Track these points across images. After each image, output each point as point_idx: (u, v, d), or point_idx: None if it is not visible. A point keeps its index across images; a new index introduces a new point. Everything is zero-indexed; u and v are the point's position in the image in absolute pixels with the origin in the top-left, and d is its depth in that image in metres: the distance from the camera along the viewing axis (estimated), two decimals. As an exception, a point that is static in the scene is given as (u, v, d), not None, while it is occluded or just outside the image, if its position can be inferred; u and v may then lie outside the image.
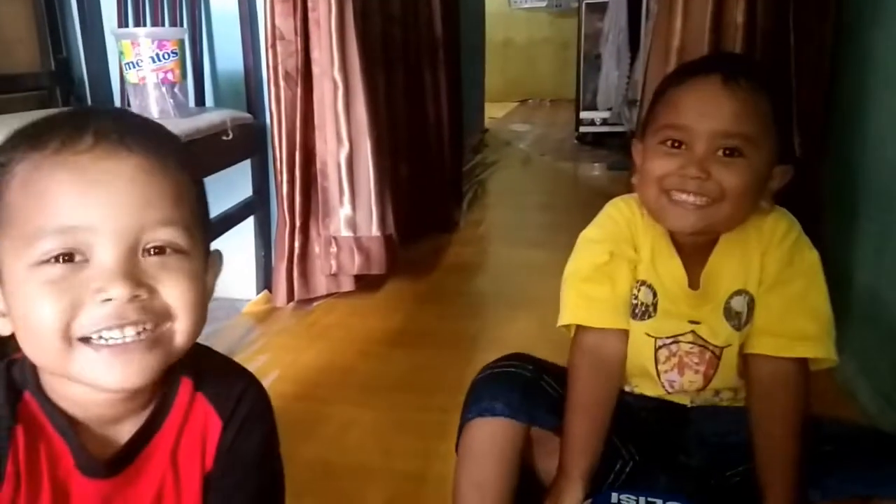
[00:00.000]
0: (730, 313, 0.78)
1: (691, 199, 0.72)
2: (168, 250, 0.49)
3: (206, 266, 0.54)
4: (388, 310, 1.74)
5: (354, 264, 1.67)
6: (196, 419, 0.57)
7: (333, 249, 1.67)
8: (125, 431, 0.55)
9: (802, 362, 0.75)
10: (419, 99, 2.17)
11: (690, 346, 0.80)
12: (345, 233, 1.66)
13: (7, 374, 0.52)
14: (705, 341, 0.79)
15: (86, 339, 0.47)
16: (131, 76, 1.36)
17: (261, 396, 0.61)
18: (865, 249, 1.29)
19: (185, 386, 0.57)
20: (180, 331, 0.50)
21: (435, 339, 1.56)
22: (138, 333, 0.48)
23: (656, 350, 0.81)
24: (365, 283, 1.78)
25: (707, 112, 0.71)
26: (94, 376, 0.48)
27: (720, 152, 0.71)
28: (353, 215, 1.65)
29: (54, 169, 0.46)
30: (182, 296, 0.49)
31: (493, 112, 5.26)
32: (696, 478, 0.79)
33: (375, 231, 1.66)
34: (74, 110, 0.55)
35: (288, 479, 1.05)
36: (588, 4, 4.08)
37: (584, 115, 4.12)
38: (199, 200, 0.54)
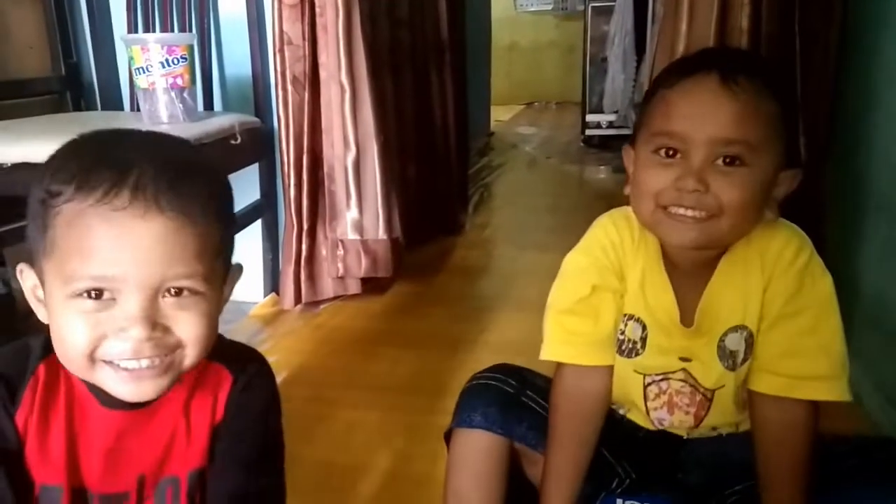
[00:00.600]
0: (724, 353, 0.72)
1: (689, 213, 0.65)
2: (185, 292, 0.55)
3: (222, 289, 0.60)
4: (395, 312, 1.74)
5: (361, 267, 1.68)
6: (209, 378, 0.64)
7: (340, 252, 1.68)
8: None
9: (813, 404, 0.69)
10: (425, 102, 2.18)
11: (681, 384, 0.75)
12: (352, 236, 1.67)
13: (46, 335, 0.59)
14: (696, 382, 0.74)
15: (107, 362, 0.54)
16: (141, 81, 1.37)
17: (265, 366, 0.68)
18: (871, 252, 1.29)
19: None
20: (189, 356, 0.57)
21: (441, 342, 1.56)
22: (151, 362, 0.54)
23: (645, 387, 0.77)
24: (371, 285, 1.79)
25: (704, 117, 0.64)
26: (112, 389, 0.56)
27: (719, 161, 0.64)
28: (359, 218, 1.66)
29: (94, 219, 0.52)
30: (193, 331, 0.56)
31: (499, 115, 5.26)
32: (694, 497, 0.77)
33: (382, 234, 1.67)
34: (119, 141, 0.58)
35: (294, 480, 1.06)
36: (594, 7, 4.08)
37: (590, 118, 4.12)
38: (225, 239, 0.59)
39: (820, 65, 1.38)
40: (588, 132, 4.13)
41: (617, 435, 0.79)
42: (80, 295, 0.53)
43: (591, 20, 4.12)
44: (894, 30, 1.25)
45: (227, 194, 0.61)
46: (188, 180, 0.55)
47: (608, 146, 3.96)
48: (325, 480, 1.08)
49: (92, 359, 0.54)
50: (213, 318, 0.58)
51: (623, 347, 0.76)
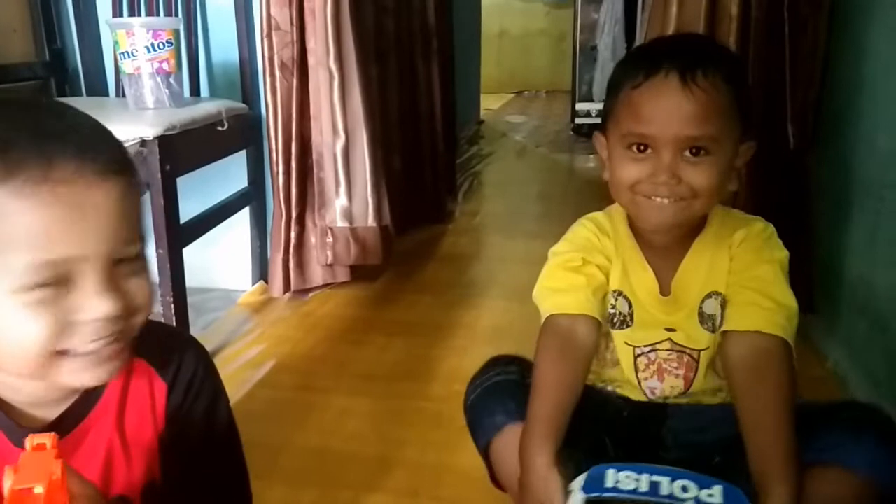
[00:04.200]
0: (703, 317, 0.79)
1: (666, 201, 0.73)
2: (136, 258, 0.52)
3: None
4: (384, 300, 1.74)
5: (350, 255, 1.67)
6: (140, 384, 0.59)
7: (329, 240, 1.67)
8: (60, 409, 0.56)
9: (784, 344, 0.73)
10: (413, 90, 2.17)
11: (668, 352, 0.80)
12: (341, 223, 1.66)
13: None
14: (682, 346, 0.80)
15: (64, 352, 0.50)
16: (126, 66, 1.35)
17: (202, 359, 0.63)
18: (857, 238, 1.30)
19: None
20: (139, 322, 0.54)
21: (431, 329, 1.57)
22: (114, 338, 0.51)
23: (635, 358, 0.82)
24: (361, 273, 1.78)
25: (669, 119, 0.71)
26: (72, 380, 0.52)
27: (686, 152, 0.71)
28: (349, 206, 1.65)
29: (31, 201, 0.46)
30: (146, 296, 0.53)
31: (489, 103, 5.25)
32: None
33: (371, 222, 1.67)
34: (26, 118, 0.50)
35: (285, 467, 1.07)
36: (584, -5, 4.07)
37: (579, 106, 4.12)
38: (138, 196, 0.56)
39: (808, 52, 1.39)
40: (578, 121, 4.14)
41: (603, 415, 0.81)
42: (31, 287, 0.47)
43: (580, 8, 4.11)
44: (881, 17, 1.26)
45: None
46: (114, 141, 0.52)
47: (597, 135, 3.96)
48: (316, 468, 1.08)
49: (50, 353, 0.49)
50: (151, 286, 0.55)
51: (615, 320, 0.82)
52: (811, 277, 1.39)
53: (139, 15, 1.59)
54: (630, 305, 0.81)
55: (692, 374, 0.80)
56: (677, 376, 0.81)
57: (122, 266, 0.51)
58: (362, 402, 1.27)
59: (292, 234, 1.67)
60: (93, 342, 0.50)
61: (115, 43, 1.35)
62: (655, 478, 0.65)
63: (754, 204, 1.40)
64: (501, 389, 0.82)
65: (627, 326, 0.82)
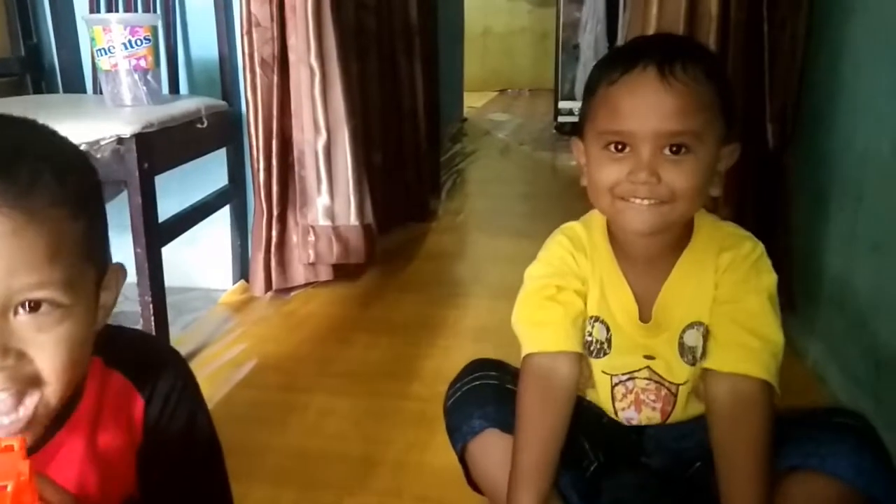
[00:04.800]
0: (683, 348, 0.76)
1: (646, 202, 0.69)
2: (43, 306, 0.45)
3: (96, 297, 0.50)
4: (367, 299, 1.73)
5: (333, 253, 1.66)
6: (115, 398, 0.56)
7: (311, 238, 1.66)
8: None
9: (766, 387, 0.71)
10: (395, 87, 2.16)
11: (647, 382, 0.78)
12: (323, 222, 1.65)
13: None
14: (661, 377, 0.77)
15: None
16: (103, 63, 1.33)
17: (181, 370, 0.61)
18: (836, 235, 1.32)
19: (97, 365, 0.55)
20: (51, 395, 0.46)
21: (414, 328, 1.56)
22: (2, 398, 0.45)
23: (612, 387, 0.80)
24: (343, 272, 1.77)
25: (647, 114, 0.67)
26: None
27: (666, 150, 0.68)
28: (331, 204, 1.64)
29: None
30: (54, 360, 0.45)
31: (472, 101, 5.24)
32: (658, 477, 0.79)
33: (354, 220, 1.66)
34: None
35: (267, 467, 1.06)
36: (567, -6, 4.08)
37: (562, 104, 4.13)
38: (90, 234, 0.48)
39: (787, 52, 1.40)
40: (560, 119, 4.15)
41: (583, 420, 0.80)
42: None
43: (563, 7, 4.12)
44: (859, 17, 1.27)
45: (84, 177, 0.50)
46: (23, 165, 0.44)
47: (580, 133, 3.97)
48: (298, 467, 1.07)
49: None
50: (80, 341, 0.47)
51: (592, 349, 0.79)
52: (790, 275, 1.41)
53: (116, 11, 1.57)
54: (608, 330, 0.78)
55: (670, 408, 0.79)
56: (654, 409, 0.79)
57: (24, 315, 0.44)
58: (345, 402, 1.26)
59: (273, 233, 1.65)
60: None
61: (92, 39, 1.33)
62: None
63: (734, 202, 1.41)
64: (480, 394, 0.82)
65: (605, 354, 0.78)
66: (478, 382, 0.83)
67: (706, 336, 0.75)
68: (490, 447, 0.79)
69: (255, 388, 1.33)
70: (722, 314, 0.74)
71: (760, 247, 0.76)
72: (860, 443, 0.70)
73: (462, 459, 0.83)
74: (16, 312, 0.44)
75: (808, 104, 1.43)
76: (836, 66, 1.35)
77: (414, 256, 2.05)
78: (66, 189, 0.46)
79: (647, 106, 0.67)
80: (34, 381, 0.45)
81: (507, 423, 0.77)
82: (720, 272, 0.74)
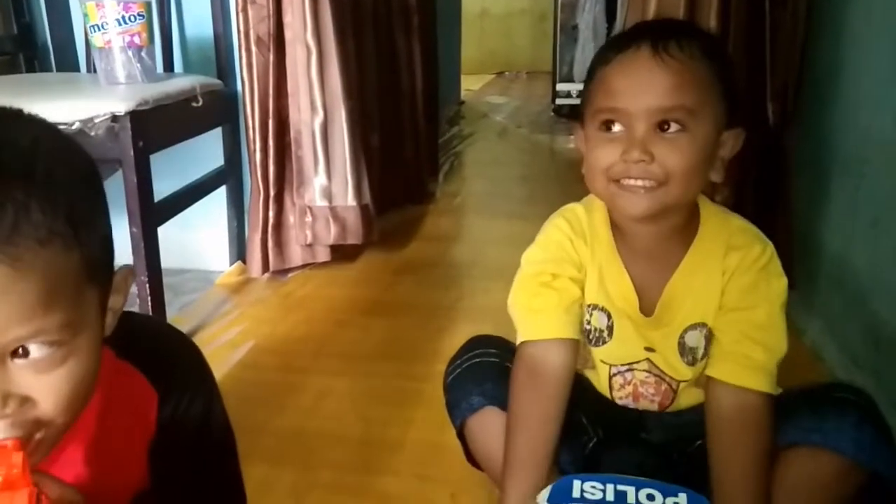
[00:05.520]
0: (683, 349, 0.75)
1: (640, 183, 0.67)
2: (42, 347, 0.42)
3: (101, 318, 0.47)
4: (365, 280, 1.73)
5: (330, 234, 1.65)
6: (127, 391, 0.54)
7: (309, 219, 1.65)
8: None
9: (768, 398, 0.70)
10: (394, 67, 2.14)
11: (646, 374, 0.77)
12: (320, 202, 1.64)
13: None
14: (661, 371, 0.77)
15: None
16: (96, 40, 1.31)
17: (196, 360, 0.59)
18: (836, 214, 1.31)
19: (107, 357, 0.52)
20: (57, 428, 0.45)
21: (411, 309, 1.56)
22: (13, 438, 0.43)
23: (611, 377, 0.79)
24: (341, 253, 1.77)
25: (640, 89, 0.66)
26: None
27: (660, 129, 0.67)
28: (328, 184, 1.63)
29: None
30: (58, 400, 0.43)
31: (470, 84, 5.21)
32: (658, 453, 0.79)
33: (351, 201, 1.64)
34: None
35: (265, 448, 1.05)
36: (565, -25, 4.04)
37: (560, 87, 4.10)
38: (91, 258, 0.44)
39: (788, 30, 1.38)
40: (559, 101, 4.12)
41: (582, 396, 0.80)
42: None
43: (561, -13, 4.07)
44: (862, -7, 1.25)
45: (76, 187, 0.44)
46: (6, 199, 0.39)
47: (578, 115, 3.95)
48: (296, 449, 1.07)
49: None
50: (86, 371, 0.45)
51: (591, 337, 0.78)
52: (790, 253, 1.40)
53: (109, -13, 1.55)
54: (609, 318, 0.77)
55: (668, 402, 0.78)
56: (652, 402, 0.78)
57: (20, 360, 0.41)
58: (342, 383, 1.26)
59: (270, 214, 1.64)
60: None
61: (85, 16, 1.31)
62: (621, 487, 0.66)
63: (733, 182, 1.40)
64: (480, 371, 0.82)
65: (604, 343, 0.78)
66: (478, 360, 0.83)
67: (709, 338, 0.74)
68: (489, 424, 0.79)
69: (253, 369, 1.32)
70: (728, 321, 0.72)
71: (770, 248, 0.74)
72: (861, 418, 0.70)
73: (461, 435, 0.84)
74: (14, 357, 0.41)
75: (809, 82, 1.42)
76: (837, 44, 1.34)
77: (412, 238, 2.04)
78: (56, 217, 0.41)
79: (638, 82, 0.67)
80: (39, 422, 0.43)
81: (505, 400, 0.77)
82: (727, 275, 0.73)
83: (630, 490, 0.66)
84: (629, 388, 0.79)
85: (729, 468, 0.69)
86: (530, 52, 6.34)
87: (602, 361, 0.79)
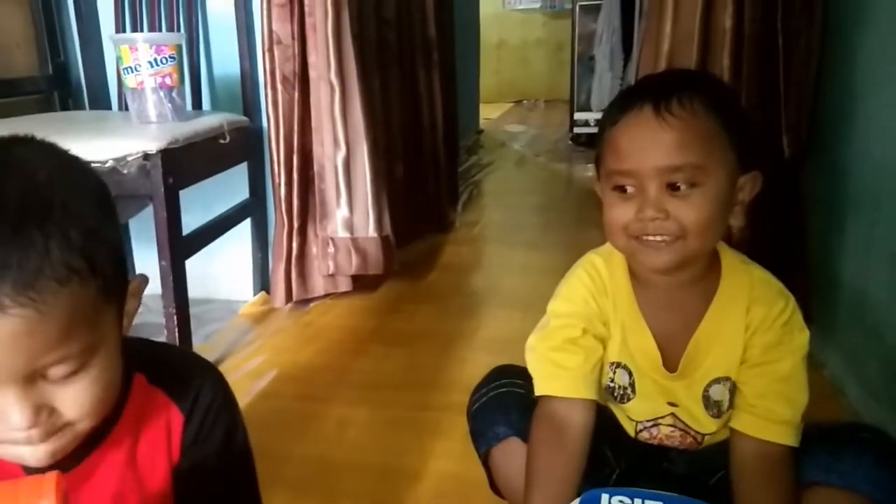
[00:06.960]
0: (709, 402, 0.76)
1: (658, 238, 0.69)
2: (67, 368, 0.46)
3: (119, 326, 0.51)
4: (385, 310, 1.75)
5: (352, 265, 1.69)
6: (156, 414, 0.57)
7: (331, 250, 1.69)
8: None
9: (790, 450, 0.71)
10: (414, 101, 2.19)
11: (671, 429, 0.78)
12: (342, 234, 1.67)
13: None
14: (686, 425, 0.78)
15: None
16: (129, 81, 1.37)
17: (221, 387, 0.61)
18: (853, 247, 1.31)
19: (139, 382, 0.57)
20: (83, 428, 0.49)
21: (431, 339, 1.58)
22: (42, 437, 0.47)
23: (637, 433, 0.80)
24: (362, 283, 1.80)
25: (646, 151, 0.68)
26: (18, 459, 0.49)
27: (672, 187, 0.67)
28: (350, 217, 1.67)
29: None
30: (84, 405, 0.47)
31: (488, 113, 5.28)
32: (681, 484, 0.78)
33: (372, 232, 1.68)
34: None
35: (286, 477, 1.07)
36: (582, 6, 4.11)
37: (578, 116, 4.14)
38: (106, 284, 0.47)
39: (802, 64, 1.40)
40: (576, 130, 4.16)
41: (604, 427, 0.81)
42: None
43: (578, 18, 4.14)
44: (873, 29, 1.27)
45: (94, 220, 0.46)
46: (30, 244, 0.41)
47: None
48: (317, 477, 1.09)
49: None
50: (109, 376, 0.49)
51: (615, 394, 0.79)
52: (807, 286, 1.40)
53: (142, 30, 1.62)
54: (630, 375, 0.78)
55: (693, 448, 0.79)
56: (681, 453, 0.80)
57: (51, 376, 0.45)
58: (363, 412, 1.28)
59: (294, 245, 1.68)
60: (19, 434, 0.46)
61: (119, 58, 1.37)
62: (650, 502, 0.66)
63: (750, 216, 1.41)
64: (506, 401, 0.83)
65: (629, 399, 0.78)
66: (505, 389, 0.84)
67: (733, 391, 0.75)
68: (513, 455, 0.80)
69: (275, 398, 1.35)
70: (752, 375, 0.73)
71: (792, 302, 0.74)
72: (880, 457, 0.70)
73: (486, 464, 0.85)
74: (41, 376, 0.45)
75: (823, 116, 1.43)
76: (850, 78, 1.35)
77: (431, 268, 2.07)
78: (73, 253, 0.43)
79: (644, 143, 0.68)
80: (67, 426, 0.48)
81: (525, 434, 0.78)
82: (750, 331, 0.73)
83: None
84: (655, 441, 0.80)
85: None
86: (547, 80, 6.41)
87: (628, 418, 0.80)
